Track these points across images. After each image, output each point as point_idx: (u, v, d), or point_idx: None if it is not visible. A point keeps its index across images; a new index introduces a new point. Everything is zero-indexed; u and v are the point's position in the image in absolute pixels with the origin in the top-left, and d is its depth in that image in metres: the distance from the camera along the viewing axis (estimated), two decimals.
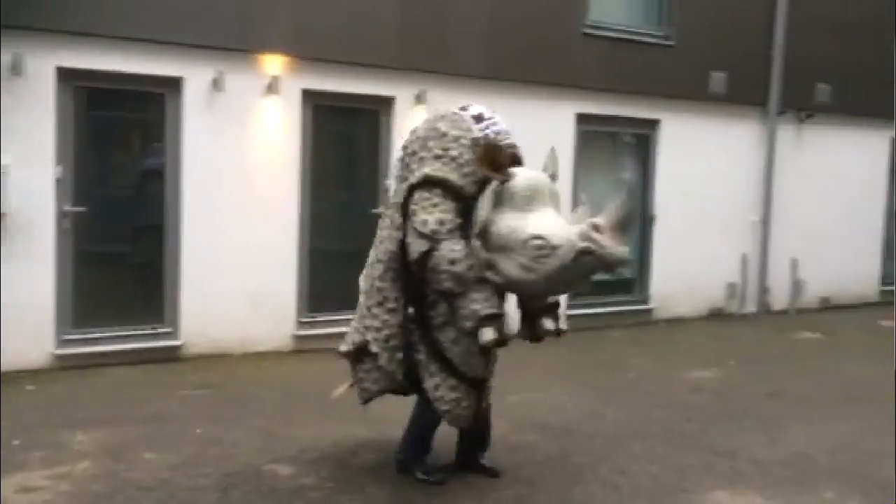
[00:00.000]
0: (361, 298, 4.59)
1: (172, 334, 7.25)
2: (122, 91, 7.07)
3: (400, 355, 4.43)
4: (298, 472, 4.68)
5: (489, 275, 4.15)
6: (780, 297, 10.73)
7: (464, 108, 4.55)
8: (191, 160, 7.16)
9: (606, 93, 9.16)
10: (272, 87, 7.40)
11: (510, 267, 4.08)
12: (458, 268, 4.13)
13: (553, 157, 4.47)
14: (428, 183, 4.26)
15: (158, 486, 4.44)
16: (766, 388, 6.92)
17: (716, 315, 10.24)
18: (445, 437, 4.74)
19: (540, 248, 3.98)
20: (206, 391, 6.32)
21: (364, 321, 4.51)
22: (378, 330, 4.43)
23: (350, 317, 7.93)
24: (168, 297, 7.25)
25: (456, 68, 8.27)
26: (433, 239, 4.16)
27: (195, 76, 7.12)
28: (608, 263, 3.97)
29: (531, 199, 4.12)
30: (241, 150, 7.39)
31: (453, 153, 4.30)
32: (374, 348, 4.45)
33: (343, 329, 7.82)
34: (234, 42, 7.24)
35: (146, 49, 6.88)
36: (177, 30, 6.99)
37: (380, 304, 4.44)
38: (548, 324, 4.41)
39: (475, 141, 4.31)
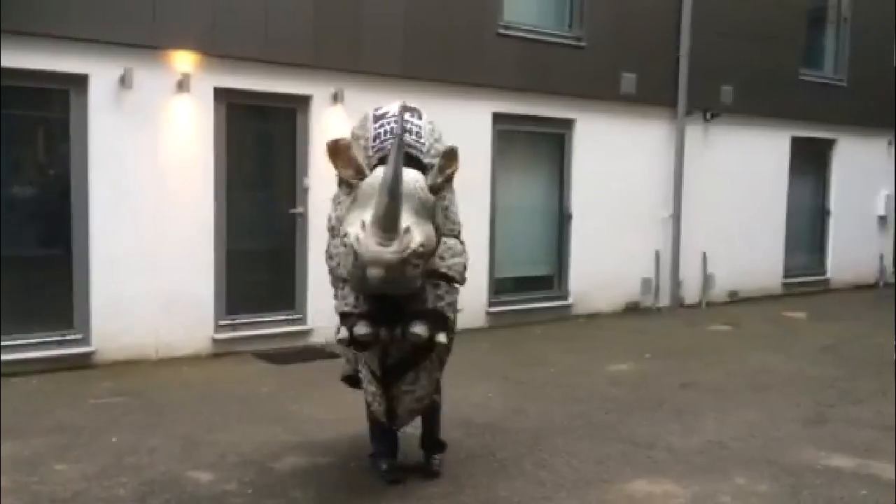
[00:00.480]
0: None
1: (83, 340, 6.99)
2: (23, 88, 6.76)
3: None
4: (219, 479, 4.59)
5: (341, 271, 4.18)
6: (691, 291, 11.09)
7: (377, 108, 4.60)
8: (98, 160, 6.92)
9: (522, 92, 9.29)
10: (183, 85, 7.22)
11: (345, 262, 4.01)
12: (331, 262, 4.46)
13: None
14: (339, 182, 4.45)
15: (73, 498, 4.29)
16: (679, 379, 7.14)
17: (632, 309, 10.51)
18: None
19: (345, 244, 3.93)
20: (121, 398, 6.12)
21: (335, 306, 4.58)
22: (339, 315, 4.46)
23: (271, 318, 7.94)
24: (78, 301, 6.99)
25: (372, 67, 8.24)
26: (331, 234, 4.45)
27: (101, 73, 6.88)
28: (362, 265, 3.78)
29: (370, 197, 3.93)
30: (152, 149, 7.19)
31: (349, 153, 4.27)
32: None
33: (264, 331, 7.84)
34: (142, 38, 7.02)
35: (48, 45, 6.61)
36: (81, 24, 6.74)
37: (336, 293, 4.53)
38: (416, 328, 4.08)
39: (367, 141, 4.44)
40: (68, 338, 6.95)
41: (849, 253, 13.13)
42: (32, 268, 7.02)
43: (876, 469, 4.98)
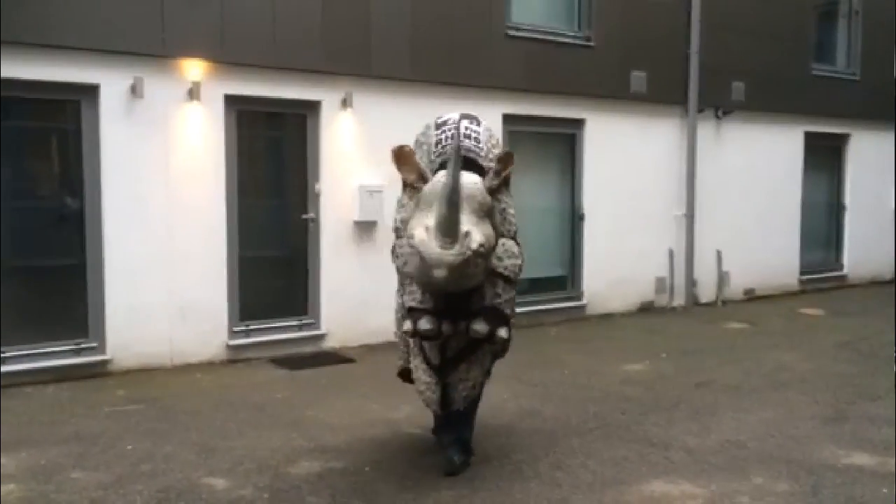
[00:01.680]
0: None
1: (98, 349, 7.02)
2: (34, 100, 6.80)
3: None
4: (235, 485, 4.59)
5: (407, 268, 4.52)
6: (706, 290, 11.02)
7: (439, 117, 4.94)
8: (111, 169, 6.95)
9: (532, 93, 9.26)
10: (193, 93, 7.25)
11: (412, 265, 4.37)
12: (397, 262, 4.69)
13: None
14: (404, 185, 4.73)
15: None
16: (696, 378, 7.09)
17: (646, 309, 10.45)
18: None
19: (412, 246, 4.24)
20: (137, 406, 6.13)
21: (396, 300, 5.01)
22: (396, 312, 4.98)
23: (285, 324, 7.96)
24: (92, 310, 7.02)
25: (381, 71, 8.25)
26: (397, 235, 4.72)
27: (112, 83, 6.91)
28: (427, 266, 4.10)
29: (433, 201, 4.25)
30: (164, 157, 7.21)
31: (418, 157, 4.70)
32: (395, 327, 5.03)
33: (278, 337, 7.84)
34: (151, 47, 7.05)
35: (59, 55, 6.65)
36: (91, 35, 6.77)
37: (398, 290, 4.93)
38: (477, 325, 4.45)
39: (431, 146, 4.75)
40: (83, 346, 6.97)
41: (865, 248, 13.01)
42: (47, 277, 7.05)
43: None
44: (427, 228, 4.11)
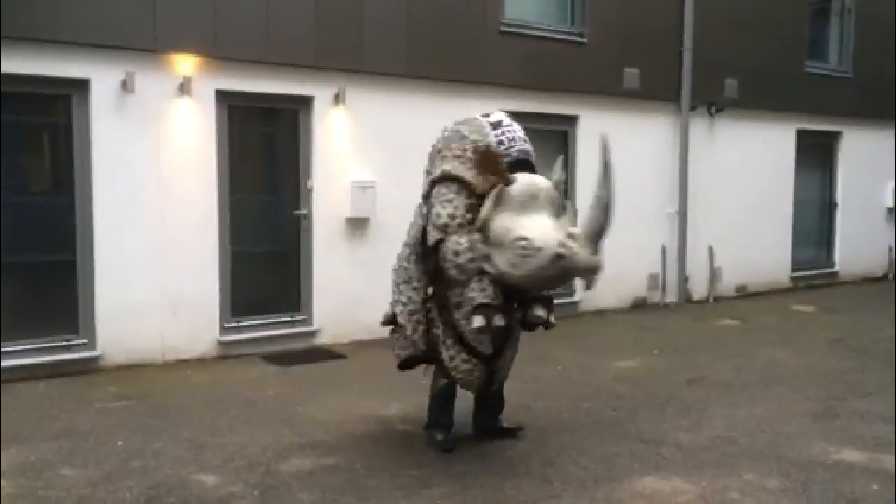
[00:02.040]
0: (392, 276, 5.15)
1: (89, 345, 6.99)
2: (25, 94, 6.76)
3: (422, 328, 4.97)
4: (225, 481, 4.57)
5: (486, 266, 4.65)
6: (699, 286, 11.04)
7: (486, 115, 5.08)
8: (101, 164, 6.92)
9: (525, 90, 9.24)
10: (184, 88, 7.21)
11: (501, 262, 4.60)
12: (460, 259, 4.68)
13: (561, 164, 5.11)
14: (446, 179, 4.80)
15: (78, 502, 4.28)
16: (688, 374, 7.10)
17: (639, 305, 10.46)
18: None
19: (525, 248, 4.48)
20: (127, 402, 6.11)
21: (394, 296, 5.11)
22: (404, 305, 5.02)
23: (276, 320, 7.94)
24: (83, 306, 6.99)
25: (374, 67, 8.23)
26: (444, 231, 4.73)
27: (103, 78, 6.88)
28: (578, 270, 4.56)
29: (526, 203, 4.61)
30: (155, 153, 7.18)
31: (470, 154, 4.81)
32: (400, 320, 5.05)
33: (269, 333, 7.82)
34: (143, 42, 7.01)
35: (49, 50, 6.61)
36: (82, 29, 6.74)
37: (406, 282, 5.03)
38: (538, 311, 4.88)
39: (483, 146, 4.83)
40: (74, 343, 6.95)
41: (857, 245, 13.05)
42: (37, 273, 7.01)
43: (887, 463, 4.93)
44: (573, 235, 4.49)
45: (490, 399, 5.33)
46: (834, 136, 12.81)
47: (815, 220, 12.82)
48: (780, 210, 12.04)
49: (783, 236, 12.11)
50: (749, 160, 11.44)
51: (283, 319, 8.00)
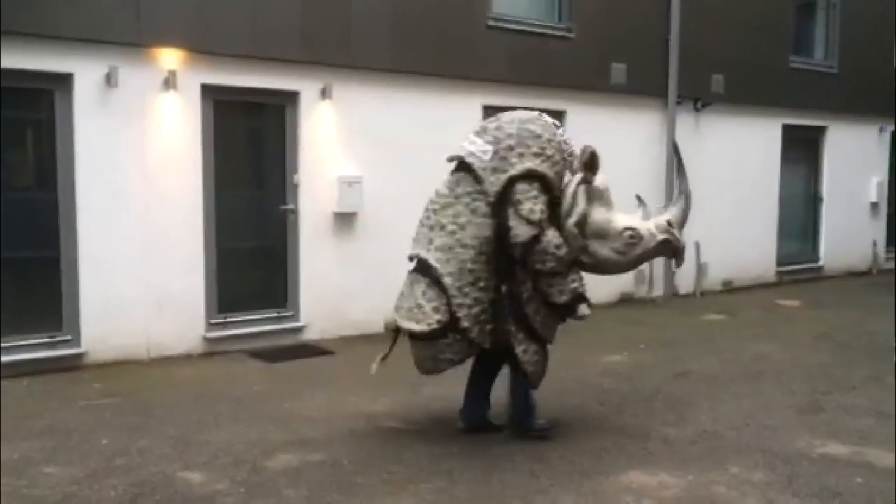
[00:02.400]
0: (448, 280, 4.97)
1: (73, 342, 6.93)
2: (7, 89, 6.68)
3: (489, 327, 5.02)
4: (211, 479, 4.55)
5: (584, 257, 5.11)
6: (685, 281, 11.07)
7: (540, 114, 5.33)
8: (85, 159, 6.86)
9: (512, 85, 9.24)
10: (169, 83, 7.16)
11: (605, 251, 5.16)
12: (561, 252, 4.97)
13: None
14: (529, 176, 4.95)
15: (62, 500, 4.25)
16: (674, 369, 7.13)
17: (626, 300, 10.48)
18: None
19: (632, 237, 5.19)
20: (112, 399, 6.07)
21: (454, 300, 4.95)
22: (469, 307, 4.96)
23: (263, 316, 7.89)
24: (67, 303, 6.93)
25: (361, 62, 8.19)
26: (539, 226, 4.90)
27: (86, 72, 6.82)
28: (679, 251, 5.44)
29: (608, 197, 5.22)
30: (139, 148, 7.13)
31: (548, 153, 5.04)
32: (465, 323, 4.96)
33: (256, 329, 7.78)
34: (127, 35, 6.95)
35: (32, 44, 6.55)
36: (65, 23, 6.67)
37: (472, 283, 4.97)
38: (583, 309, 5.25)
39: (560, 143, 5.15)
40: (58, 339, 6.90)
41: (841, 240, 13.13)
42: (20, 270, 6.93)
43: (871, 456, 4.97)
44: (672, 223, 5.37)
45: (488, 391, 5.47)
46: (819, 131, 12.88)
47: (800, 215, 12.89)
48: (766, 205, 12.09)
49: (769, 231, 12.17)
50: (735, 155, 11.48)
51: (269, 315, 7.97)
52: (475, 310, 4.96)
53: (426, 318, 4.98)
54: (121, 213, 7.05)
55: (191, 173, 7.40)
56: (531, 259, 4.93)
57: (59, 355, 6.85)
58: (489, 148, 5.04)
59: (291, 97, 7.94)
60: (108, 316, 7.01)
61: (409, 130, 8.48)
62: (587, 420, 5.68)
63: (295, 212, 8.02)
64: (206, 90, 7.43)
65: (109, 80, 6.85)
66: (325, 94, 8.00)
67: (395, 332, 5.26)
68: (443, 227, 5.05)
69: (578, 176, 5.13)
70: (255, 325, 7.86)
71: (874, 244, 13.74)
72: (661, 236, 5.27)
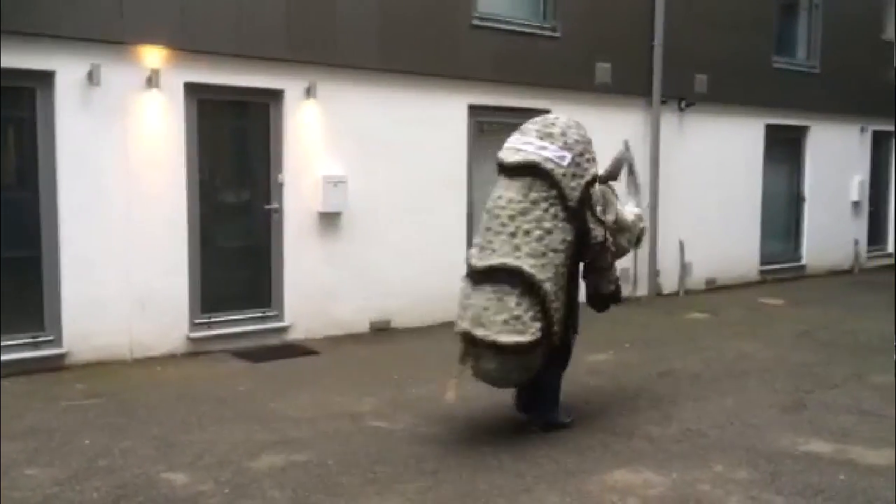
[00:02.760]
0: (547, 286, 4.99)
1: (55, 342, 6.87)
2: None
3: (563, 326, 5.25)
4: (195, 480, 4.52)
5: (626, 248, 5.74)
6: (669, 280, 11.12)
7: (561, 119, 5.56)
8: (67, 158, 6.79)
9: (497, 84, 9.24)
10: (152, 81, 7.11)
11: (624, 242, 5.66)
12: (615, 248, 5.50)
13: (626, 146, 6.07)
14: (594, 180, 5.26)
15: (44, 502, 4.21)
16: (658, 367, 7.16)
17: None
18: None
19: (642, 227, 5.83)
20: (95, 400, 6.02)
21: (552, 305, 5.02)
22: (557, 310, 5.10)
23: (247, 316, 7.85)
24: (48, 302, 6.87)
25: (346, 61, 8.17)
26: (607, 229, 5.33)
27: (68, 70, 6.75)
28: (642, 234, 5.88)
29: (615, 192, 5.60)
30: (122, 146, 7.07)
31: (595, 157, 5.35)
32: (556, 327, 5.09)
33: (240, 329, 7.74)
34: (109, 33, 6.89)
35: (13, 41, 6.47)
36: (47, 20, 6.61)
37: (561, 287, 5.11)
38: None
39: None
40: (40, 339, 6.83)
41: (824, 239, 13.23)
42: (1, 270, 6.88)
43: (853, 454, 5.01)
44: (640, 217, 5.92)
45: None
46: (801, 131, 12.97)
47: (783, 214, 12.98)
48: (749, 204, 12.16)
49: (752, 230, 12.24)
50: (718, 155, 11.54)
51: (254, 315, 7.93)
52: (561, 313, 5.12)
53: (528, 329, 4.92)
54: (103, 212, 6.99)
55: (174, 172, 7.35)
56: (602, 255, 5.36)
57: (41, 355, 6.78)
58: (566, 154, 5.12)
59: (276, 96, 7.90)
60: (91, 316, 6.95)
61: (394, 130, 8.47)
62: (572, 418, 5.68)
63: (279, 211, 7.98)
64: (190, 88, 7.39)
65: (92, 78, 6.80)
66: (309, 92, 7.97)
67: (467, 344, 5.12)
68: (528, 233, 5.00)
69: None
70: (239, 324, 7.82)
71: (856, 243, 13.85)
72: (643, 224, 5.87)
